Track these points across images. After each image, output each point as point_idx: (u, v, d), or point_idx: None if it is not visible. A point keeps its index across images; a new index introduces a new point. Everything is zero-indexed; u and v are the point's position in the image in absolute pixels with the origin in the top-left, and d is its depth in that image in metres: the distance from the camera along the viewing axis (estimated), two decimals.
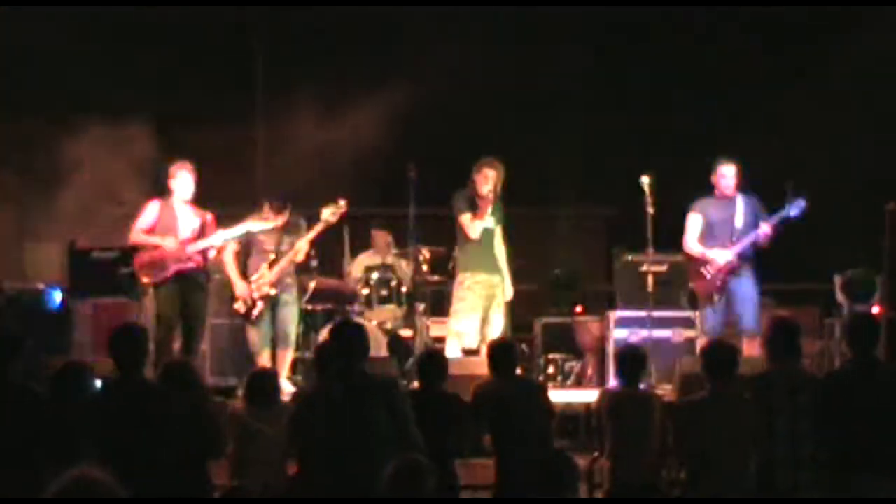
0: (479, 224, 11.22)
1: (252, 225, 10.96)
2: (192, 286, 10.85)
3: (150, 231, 10.85)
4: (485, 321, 11.30)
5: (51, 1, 13.94)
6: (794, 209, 10.86)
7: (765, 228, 10.89)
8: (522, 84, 14.82)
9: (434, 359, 8.44)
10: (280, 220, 11.15)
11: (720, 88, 14.57)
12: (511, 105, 14.81)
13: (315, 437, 7.03)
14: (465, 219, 11.23)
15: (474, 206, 11.23)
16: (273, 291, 11.13)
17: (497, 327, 11.30)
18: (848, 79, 13.77)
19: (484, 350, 10.77)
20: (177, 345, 10.89)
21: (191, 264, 10.81)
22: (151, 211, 10.91)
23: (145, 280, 10.88)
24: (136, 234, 10.87)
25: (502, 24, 14.78)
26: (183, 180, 10.87)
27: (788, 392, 7.43)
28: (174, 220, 10.86)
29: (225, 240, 10.94)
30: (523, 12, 14.65)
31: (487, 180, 11.20)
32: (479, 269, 11.30)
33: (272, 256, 11.18)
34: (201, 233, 10.93)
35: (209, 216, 11.05)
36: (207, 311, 11.16)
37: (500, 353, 8.44)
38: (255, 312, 11.13)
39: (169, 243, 10.72)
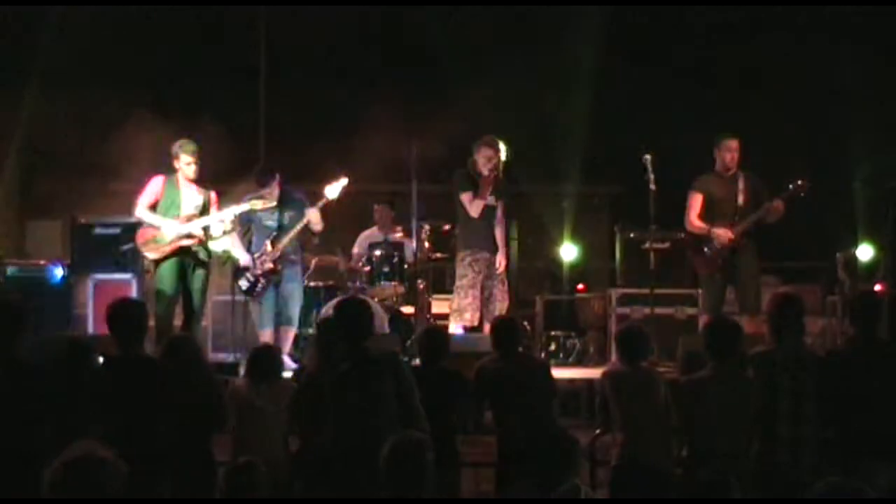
0: (480, 203, 11.20)
1: (254, 203, 10.93)
2: (193, 262, 10.84)
3: (153, 206, 10.83)
4: (487, 298, 11.29)
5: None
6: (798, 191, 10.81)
7: (776, 203, 10.83)
8: (527, 62, 14.81)
9: (435, 336, 8.43)
10: (268, 192, 11.12)
11: (726, 68, 14.58)
12: (515, 83, 14.80)
13: (320, 414, 7.03)
14: (466, 198, 11.21)
15: (475, 185, 11.21)
16: (276, 267, 11.12)
17: (499, 304, 11.29)
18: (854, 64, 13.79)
19: (486, 327, 10.85)
20: (178, 321, 10.88)
21: (192, 241, 10.79)
22: (155, 186, 10.88)
23: (147, 256, 10.87)
24: (140, 209, 10.84)
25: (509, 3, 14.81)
26: (186, 160, 10.85)
27: (791, 370, 7.42)
28: (177, 197, 10.84)
29: (224, 218, 10.91)
30: None
31: (487, 160, 11.18)
32: (480, 247, 11.29)
33: (274, 232, 11.17)
34: (204, 210, 10.92)
35: (213, 194, 11.04)
36: (208, 287, 11.13)
37: (503, 330, 8.43)
38: (259, 288, 11.13)
39: (169, 228, 10.69)
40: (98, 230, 12.42)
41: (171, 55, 15.04)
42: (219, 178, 11.53)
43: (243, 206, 10.92)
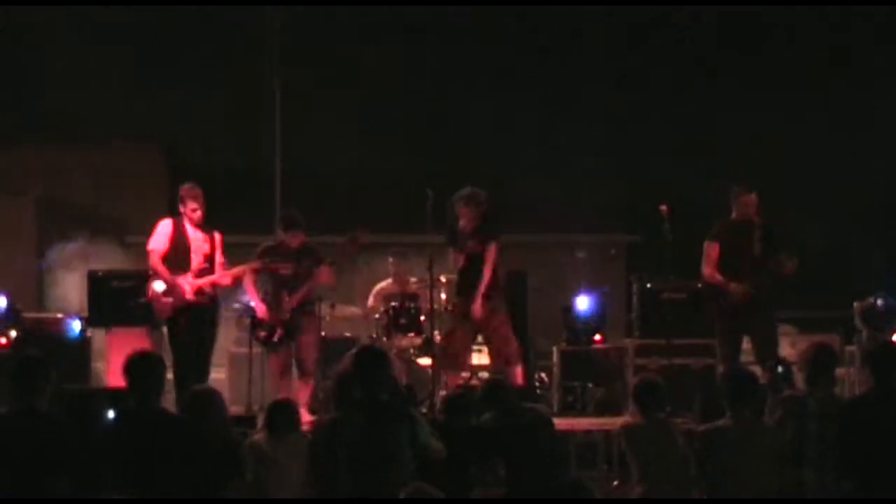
0: (458, 258, 11.24)
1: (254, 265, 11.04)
2: (203, 320, 10.85)
3: (166, 255, 10.84)
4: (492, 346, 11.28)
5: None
6: None
7: (788, 263, 10.80)
8: (543, 112, 14.87)
9: (462, 393, 8.45)
10: (287, 238, 11.17)
11: (742, 114, 14.60)
12: (531, 133, 14.86)
13: (336, 466, 7.01)
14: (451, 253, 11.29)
15: (455, 239, 11.25)
16: (293, 317, 11.15)
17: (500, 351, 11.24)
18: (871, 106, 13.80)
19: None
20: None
21: (202, 298, 10.83)
22: (164, 231, 10.91)
23: (159, 313, 10.86)
24: (155, 259, 10.86)
25: (525, 49, 14.88)
26: (192, 205, 10.88)
27: (821, 418, 7.46)
28: (186, 244, 10.87)
29: (229, 281, 10.98)
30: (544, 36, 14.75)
31: (461, 216, 11.22)
32: (462, 294, 11.29)
33: (290, 283, 11.20)
34: (212, 253, 10.93)
35: (217, 236, 11.06)
36: (216, 342, 11.15)
37: (496, 390, 8.48)
38: (276, 339, 11.15)
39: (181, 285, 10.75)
40: (114, 282, 12.45)
41: (182, 104, 15.13)
42: (234, 230, 11.56)
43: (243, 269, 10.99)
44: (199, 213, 10.90)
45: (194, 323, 10.80)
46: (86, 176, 15.07)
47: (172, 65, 15.23)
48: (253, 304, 11.26)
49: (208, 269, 10.93)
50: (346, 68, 15.52)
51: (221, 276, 10.95)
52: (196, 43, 15.23)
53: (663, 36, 15.14)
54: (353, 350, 8.97)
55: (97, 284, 12.47)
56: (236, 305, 11.63)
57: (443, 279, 12.05)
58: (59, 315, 12.50)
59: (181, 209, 10.92)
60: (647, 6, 14.88)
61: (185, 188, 10.98)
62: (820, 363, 7.79)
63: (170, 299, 10.75)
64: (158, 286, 10.80)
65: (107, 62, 14.59)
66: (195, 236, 10.94)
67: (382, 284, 12.85)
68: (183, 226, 10.93)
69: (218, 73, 15.43)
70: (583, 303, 13.24)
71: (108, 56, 14.69)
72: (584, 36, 14.74)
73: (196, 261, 10.87)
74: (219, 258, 11.02)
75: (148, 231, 11.08)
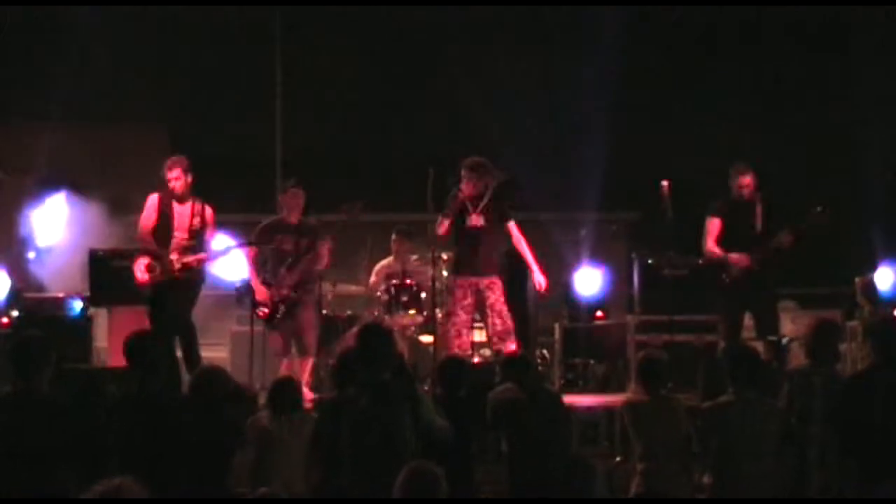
0: (443, 222, 11.01)
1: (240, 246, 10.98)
2: (184, 297, 10.77)
3: (153, 229, 10.81)
4: (487, 323, 11.22)
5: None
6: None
7: (788, 235, 10.80)
8: (544, 89, 14.84)
9: (453, 365, 8.43)
10: (294, 198, 11.21)
11: (743, 94, 14.58)
12: (533, 110, 14.82)
13: (340, 445, 7.01)
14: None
15: (447, 204, 11.07)
16: (293, 294, 11.15)
17: (495, 328, 11.20)
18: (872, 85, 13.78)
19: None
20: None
21: (185, 274, 10.74)
22: (150, 205, 10.88)
23: (141, 280, 10.79)
24: (141, 233, 10.89)
25: (528, 31, 14.83)
26: (173, 174, 10.78)
27: (824, 395, 7.47)
28: (168, 217, 10.80)
29: (213, 259, 10.92)
30: (548, 17, 14.70)
31: (463, 183, 11.11)
32: (465, 271, 11.24)
33: (290, 259, 11.19)
34: (200, 228, 10.86)
35: (209, 211, 10.94)
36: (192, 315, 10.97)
37: (515, 365, 8.48)
38: (277, 316, 11.15)
39: (160, 260, 10.70)
40: (115, 262, 12.43)
41: (187, 90, 15.12)
42: (235, 209, 11.55)
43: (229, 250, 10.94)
44: (180, 183, 10.79)
45: (178, 300, 10.70)
46: (89, 156, 15.02)
47: (177, 46, 15.20)
48: (252, 283, 11.25)
49: (195, 244, 10.83)
50: (348, 48, 15.48)
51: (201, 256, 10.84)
52: (201, 25, 15.20)
53: (666, 17, 15.12)
54: (357, 328, 9.00)
55: (98, 264, 12.46)
56: (237, 284, 11.59)
57: (444, 256, 12.04)
58: (61, 295, 12.48)
59: (167, 182, 10.85)
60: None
61: (169, 159, 10.93)
62: (824, 339, 7.81)
63: (148, 277, 10.70)
64: (139, 266, 10.75)
65: (115, 43, 14.56)
66: (180, 210, 10.83)
67: (384, 262, 12.85)
68: (169, 200, 10.85)
69: (221, 55, 15.40)
70: (584, 279, 13.25)
71: (116, 36, 14.66)
72: (587, 26, 14.72)
73: (179, 236, 10.80)
74: (209, 233, 10.91)
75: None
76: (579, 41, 14.66)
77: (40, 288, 12.98)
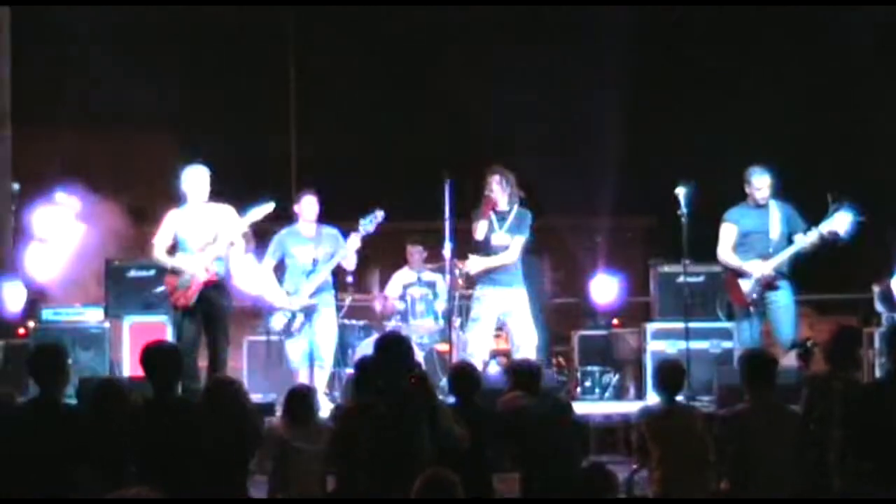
0: (481, 224, 10.97)
1: (255, 213, 10.71)
2: (213, 302, 10.54)
3: (172, 248, 10.69)
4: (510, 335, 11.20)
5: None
6: (842, 224, 10.70)
7: (812, 237, 10.76)
8: (562, 95, 14.85)
9: (465, 371, 8.42)
10: (309, 206, 11.20)
11: (758, 98, 14.56)
12: (548, 116, 14.82)
13: (358, 453, 7.01)
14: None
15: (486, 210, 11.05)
16: (311, 302, 11.14)
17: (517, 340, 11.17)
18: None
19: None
20: (203, 362, 10.76)
21: (212, 278, 10.52)
22: (169, 223, 10.66)
23: (176, 303, 10.64)
24: (159, 253, 10.68)
25: (539, 34, 14.85)
26: (191, 183, 10.65)
27: (844, 400, 7.45)
28: (186, 230, 10.59)
29: (234, 240, 10.60)
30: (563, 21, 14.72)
31: (486, 185, 11.08)
32: (483, 282, 11.22)
33: (309, 268, 11.19)
34: (220, 228, 10.63)
35: (230, 210, 10.68)
36: (230, 323, 10.83)
37: (522, 373, 8.47)
38: (294, 326, 11.15)
39: (184, 265, 10.55)
40: (132, 272, 12.45)
41: (199, 95, 15.15)
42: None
43: (246, 219, 10.64)
44: (199, 192, 10.59)
45: (204, 308, 10.52)
46: (102, 162, 15.05)
47: (190, 52, 15.23)
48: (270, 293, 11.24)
49: (212, 244, 10.56)
50: (363, 53, 15.51)
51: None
52: (213, 30, 15.24)
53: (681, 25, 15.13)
54: (376, 336, 9.00)
55: (114, 274, 12.48)
56: (255, 294, 11.57)
57: (459, 265, 12.02)
58: (78, 305, 12.49)
59: (186, 193, 10.75)
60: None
61: (186, 169, 10.74)
62: (845, 344, 7.78)
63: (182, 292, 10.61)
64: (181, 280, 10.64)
65: (126, 49, 14.59)
66: (198, 220, 10.61)
67: (400, 271, 12.87)
68: (186, 211, 10.67)
69: (234, 61, 15.44)
70: (600, 287, 13.24)
71: (129, 41, 14.69)
72: (599, 27, 14.71)
73: (201, 243, 10.61)
74: (228, 235, 10.55)
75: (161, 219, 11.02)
76: (591, 39, 14.66)
77: (56, 297, 12.95)
